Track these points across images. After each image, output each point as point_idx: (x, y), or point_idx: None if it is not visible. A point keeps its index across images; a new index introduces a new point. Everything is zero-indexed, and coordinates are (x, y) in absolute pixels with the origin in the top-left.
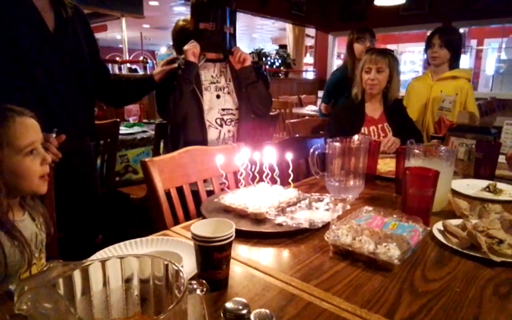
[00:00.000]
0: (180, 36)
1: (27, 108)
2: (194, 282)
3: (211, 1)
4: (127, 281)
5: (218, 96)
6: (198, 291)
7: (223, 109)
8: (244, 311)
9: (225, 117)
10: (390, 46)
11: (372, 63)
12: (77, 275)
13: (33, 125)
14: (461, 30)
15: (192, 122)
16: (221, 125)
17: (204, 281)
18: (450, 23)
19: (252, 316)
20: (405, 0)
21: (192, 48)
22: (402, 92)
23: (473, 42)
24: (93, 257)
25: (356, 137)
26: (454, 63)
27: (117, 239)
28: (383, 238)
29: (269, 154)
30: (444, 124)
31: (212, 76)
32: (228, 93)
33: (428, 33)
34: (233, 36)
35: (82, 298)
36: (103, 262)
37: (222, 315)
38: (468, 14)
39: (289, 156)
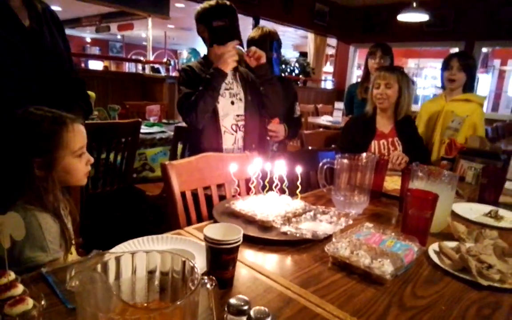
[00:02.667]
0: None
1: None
2: (205, 277)
3: (219, 3)
4: (150, 272)
5: (232, 102)
6: (208, 286)
7: (237, 115)
8: (245, 307)
9: (239, 123)
10: (411, 61)
11: (381, 79)
12: (111, 263)
13: (83, 131)
14: (485, 50)
15: (208, 127)
16: (235, 131)
17: (213, 278)
18: (473, 42)
19: (251, 312)
20: (428, 17)
21: (231, 57)
22: (416, 108)
23: (496, 62)
24: (114, 249)
25: (364, 155)
26: (468, 87)
27: (131, 234)
28: (379, 254)
29: (280, 166)
30: (455, 147)
31: (226, 83)
32: (240, 99)
33: (451, 50)
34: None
35: (114, 282)
36: (132, 254)
37: (226, 309)
38: (492, 34)
39: (299, 169)
